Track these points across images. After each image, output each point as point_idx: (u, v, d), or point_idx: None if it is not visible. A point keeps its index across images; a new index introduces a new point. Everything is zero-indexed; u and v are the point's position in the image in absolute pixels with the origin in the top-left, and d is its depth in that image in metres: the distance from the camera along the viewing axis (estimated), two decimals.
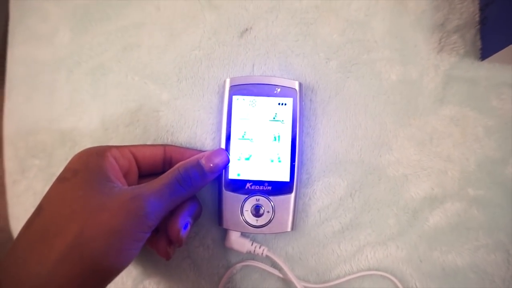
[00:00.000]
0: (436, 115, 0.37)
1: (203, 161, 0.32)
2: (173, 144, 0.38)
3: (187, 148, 0.37)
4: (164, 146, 0.35)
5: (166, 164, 0.35)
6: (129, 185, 0.32)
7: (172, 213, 0.34)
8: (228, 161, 0.35)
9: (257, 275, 0.37)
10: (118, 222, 0.27)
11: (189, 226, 0.33)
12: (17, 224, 0.40)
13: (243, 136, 0.35)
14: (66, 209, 0.27)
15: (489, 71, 0.38)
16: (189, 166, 0.31)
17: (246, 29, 0.39)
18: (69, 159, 0.38)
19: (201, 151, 0.37)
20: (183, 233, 0.32)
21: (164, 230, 0.33)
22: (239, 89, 0.35)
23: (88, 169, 0.29)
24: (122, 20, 0.40)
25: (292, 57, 0.38)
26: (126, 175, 0.32)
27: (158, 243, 0.33)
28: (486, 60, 0.37)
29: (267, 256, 0.36)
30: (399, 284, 0.36)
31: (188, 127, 0.38)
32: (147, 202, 0.28)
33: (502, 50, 0.35)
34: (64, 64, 0.40)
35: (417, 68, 0.38)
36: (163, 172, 0.32)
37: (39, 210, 0.28)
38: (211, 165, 0.32)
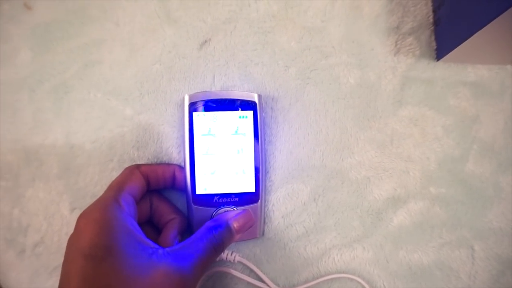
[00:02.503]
0: (395, 117, 0.38)
1: (234, 225, 0.33)
2: (140, 161, 0.39)
3: (157, 164, 0.37)
4: (138, 168, 0.35)
5: (148, 185, 0.35)
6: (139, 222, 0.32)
7: (161, 232, 0.35)
8: (253, 224, 0.35)
9: (228, 280, 0.38)
10: None
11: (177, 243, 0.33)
12: None
13: (206, 152, 0.36)
14: None
15: (445, 70, 0.38)
16: (223, 233, 0.32)
17: (205, 41, 0.39)
18: (35, 178, 0.39)
19: (169, 164, 0.38)
20: None
21: None
22: (199, 105, 0.36)
23: (119, 240, 0.27)
24: (83, 38, 0.41)
25: (252, 67, 0.39)
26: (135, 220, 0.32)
27: None
28: (442, 60, 0.38)
29: (238, 261, 0.37)
30: (366, 286, 0.36)
31: (153, 141, 0.39)
32: (190, 276, 0.28)
33: (456, 49, 0.35)
34: (26, 83, 0.40)
35: (374, 71, 0.38)
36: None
37: None
38: (241, 228, 0.34)
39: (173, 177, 0.36)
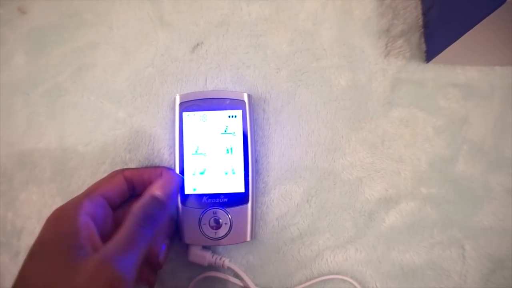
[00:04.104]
0: (386, 118, 0.38)
1: (157, 193, 0.31)
2: (131, 163, 0.39)
3: (144, 168, 0.37)
4: (122, 172, 0.34)
5: (131, 189, 0.35)
6: (110, 231, 0.31)
7: None
8: (180, 178, 0.35)
9: (220, 286, 0.38)
10: None
11: (166, 248, 0.33)
12: None
13: (196, 151, 0.36)
14: None
15: (435, 72, 0.39)
16: (144, 204, 0.30)
17: (198, 44, 0.40)
18: (29, 181, 0.39)
19: (157, 167, 0.38)
20: (161, 258, 0.32)
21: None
22: (189, 105, 0.36)
23: (56, 241, 0.27)
24: (77, 41, 0.41)
25: (244, 69, 0.39)
26: (105, 222, 0.31)
27: (139, 273, 0.31)
28: (431, 62, 0.38)
29: (228, 267, 0.37)
30: (358, 287, 0.37)
31: (145, 144, 0.39)
32: (116, 263, 0.26)
33: (445, 51, 0.36)
34: (21, 87, 0.41)
35: (365, 73, 0.39)
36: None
37: None
38: (166, 190, 0.32)
39: None
